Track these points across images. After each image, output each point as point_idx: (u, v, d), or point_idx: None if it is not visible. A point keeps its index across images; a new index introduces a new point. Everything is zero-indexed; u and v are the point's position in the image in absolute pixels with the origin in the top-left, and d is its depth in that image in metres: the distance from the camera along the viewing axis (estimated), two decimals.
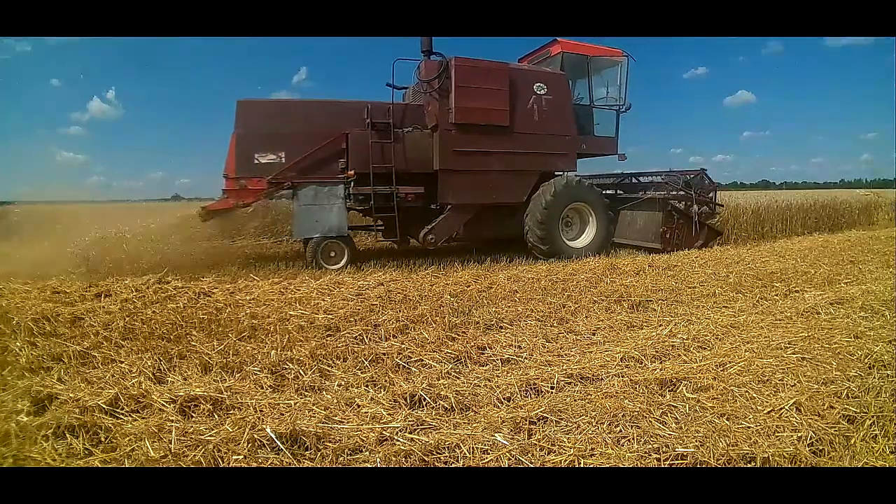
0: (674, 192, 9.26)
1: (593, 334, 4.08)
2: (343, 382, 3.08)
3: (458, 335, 3.98)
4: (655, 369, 3.21)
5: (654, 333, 3.96)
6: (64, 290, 5.37)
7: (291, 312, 4.51)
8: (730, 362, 3.27)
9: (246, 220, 10.94)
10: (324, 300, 5.04)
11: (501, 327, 4.26)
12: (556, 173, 9.00)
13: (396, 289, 5.57)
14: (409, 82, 8.79)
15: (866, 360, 3.25)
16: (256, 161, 7.57)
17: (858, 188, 28.15)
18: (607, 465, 2.12)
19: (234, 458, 2.13)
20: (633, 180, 10.61)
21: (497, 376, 3.20)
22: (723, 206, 10.45)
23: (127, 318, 4.24)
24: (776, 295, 5.34)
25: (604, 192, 9.53)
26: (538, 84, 8.46)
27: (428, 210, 8.39)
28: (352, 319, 4.33)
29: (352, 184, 7.81)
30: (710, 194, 9.72)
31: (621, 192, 10.38)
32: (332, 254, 7.78)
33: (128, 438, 2.31)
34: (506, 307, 4.84)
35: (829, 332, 3.87)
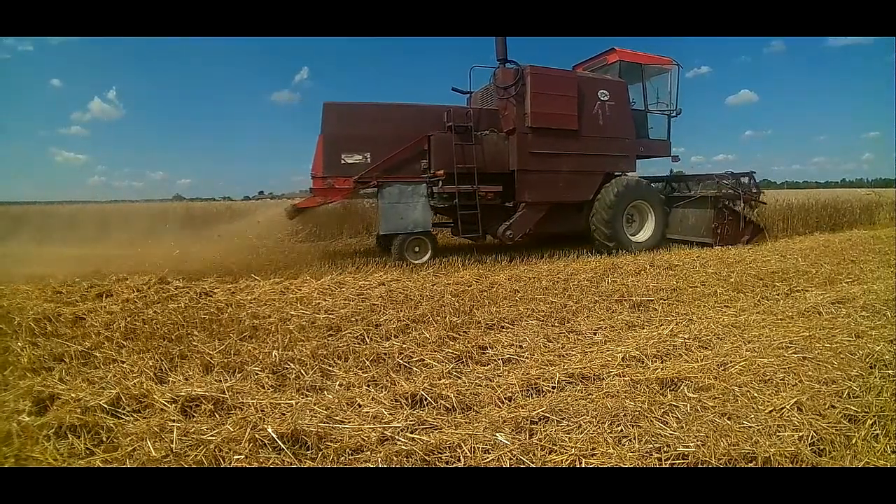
0: (724, 191, 9.71)
1: (594, 334, 4.08)
2: (344, 382, 3.08)
3: (460, 335, 3.98)
4: (656, 369, 3.21)
5: (655, 333, 3.96)
6: (65, 290, 5.37)
7: (293, 312, 4.51)
8: (731, 362, 3.27)
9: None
10: (325, 300, 5.04)
11: (503, 327, 4.26)
12: (616, 173, 9.52)
13: (398, 289, 5.57)
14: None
15: (868, 360, 3.25)
16: (343, 161, 8.01)
17: (860, 188, 28.14)
18: (608, 465, 2.12)
19: (235, 457, 2.14)
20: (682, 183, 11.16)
21: (498, 376, 3.20)
22: (766, 203, 10.96)
23: (128, 318, 4.24)
24: (777, 294, 5.34)
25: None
26: (602, 91, 9.03)
27: (502, 208, 8.83)
28: (353, 319, 4.33)
29: (440, 182, 8.24)
30: (755, 192, 10.10)
31: (670, 191, 10.92)
32: (417, 248, 8.30)
33: (129, 438, 2.31)
34: (507, 307, 4.84)
35: (831, 331, 3.86)
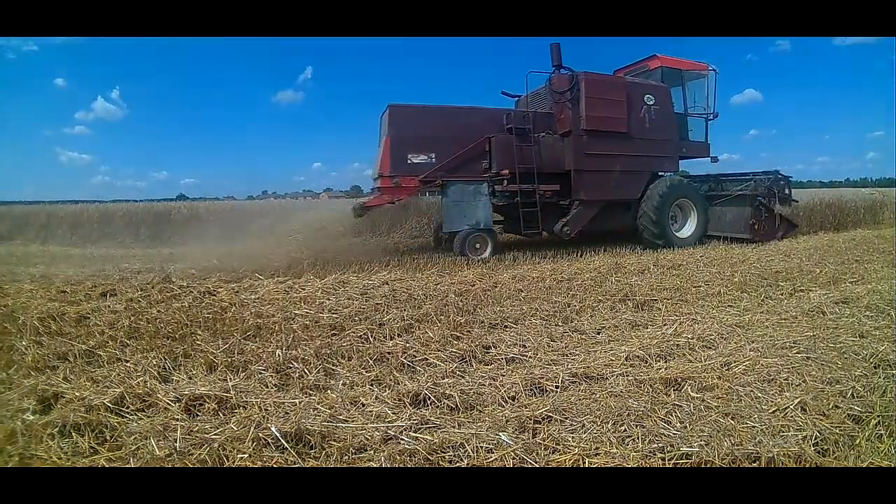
0: (760, 190, 10.17)
1: (598, 333, 4.08)
2: (348, 381, 3.09)
3: (463, 334, 3.98)
4: (660, 368, 3.20)
5: (658, 332, 3.95)
6: (69, 290, 5.40)
7: (296, 312, 4.52)
8: (735, 361, 3.26)
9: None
10: (329, 299, 5.05)
11: (506, 326, 4.25)
12: (660, 173, 10.13)
13: (401, 288, 5.58)
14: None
15: (871, 360, 3.23)
16: (409, 161, 8.49)
17: (864, 187, 27.99)
18: (612, 465, 2.12)
19: (238, 456, 2.14)
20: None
21: (502, 375, 3.20)
22: (797, 201, 11.48)
23: (132, 318, 4.26)
24: (781, 294, 5.32)
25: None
26: (647, 95, 9.59)
27: (557, 206, 9.40)
28: (357, 318, 4.34)
29: (505, 181, 8.75)
30: (787, 191, 10.61)
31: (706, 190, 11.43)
32: (478, 245, 8.70)
33: (133, 437, 2.32)
34: (511, 306, 4.84)
35: (835, 331, 3.85)
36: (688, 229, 10.09)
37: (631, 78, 10.11)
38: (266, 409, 2.62)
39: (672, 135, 9.97)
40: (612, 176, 9.33)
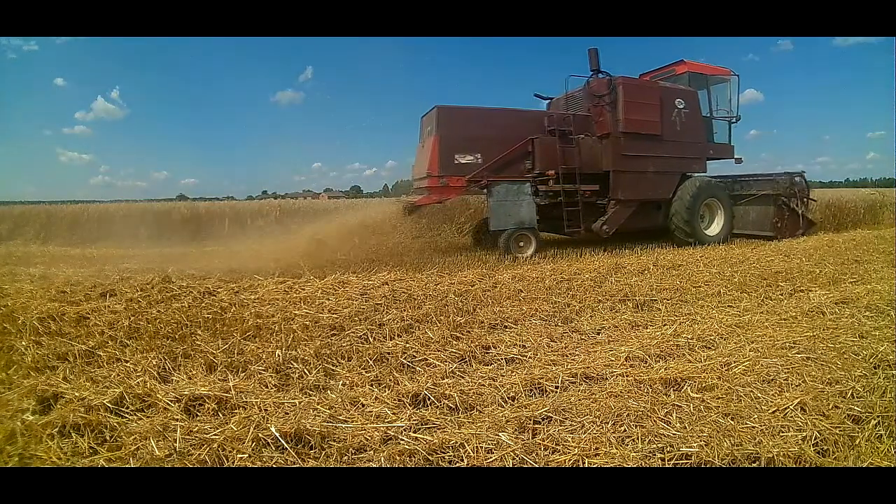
0: (782, 189, 10.62)
1: (598, 334, 4.08)
2: (347, 382, 3.08)
3: (463, 334, 3.99)
4: (660, 369, 3.20)
5: (658, 333, 3.95)
6: (69, 290, 5.39)
7: (296, 312, 4.51)
8: (734, 362, 3.26)
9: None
10: (328, 299, 5.04)
11: (506, 327, 4.25)
12: (688, 174, 10.44)
13: (401, 288, 5.56)
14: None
15: (871, 360, 3.23)
16: (456, 161, 8.64)
17: (864, 187, 27.97)
18: (611, 465, 2.12)
19: (238, 456, 2.14)
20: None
21: (501, 376, 3.20)
22: (816, 200, 11.96)
23: (132, 318, 4.25)
24: (781, 294, 5.32)
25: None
26: (678, 99, 9.96)
27: (594, 205, 9.67)
28: (356, 319, 4.33)
29: (550, 181, 9.02)
30: (806, 190, 10.96)
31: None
32: (522, 243, 8.86)
33: (133, 437, 2.32)
34: (510, 307, 4.83)
35: (835, 331, 3.85)
36: (715, 227, 10.45)
37: (664, 83, 10.39)
38: (266, 410, 2.62)
39: (700, 137, 10.32)
40: (646, 176, 9.66)
